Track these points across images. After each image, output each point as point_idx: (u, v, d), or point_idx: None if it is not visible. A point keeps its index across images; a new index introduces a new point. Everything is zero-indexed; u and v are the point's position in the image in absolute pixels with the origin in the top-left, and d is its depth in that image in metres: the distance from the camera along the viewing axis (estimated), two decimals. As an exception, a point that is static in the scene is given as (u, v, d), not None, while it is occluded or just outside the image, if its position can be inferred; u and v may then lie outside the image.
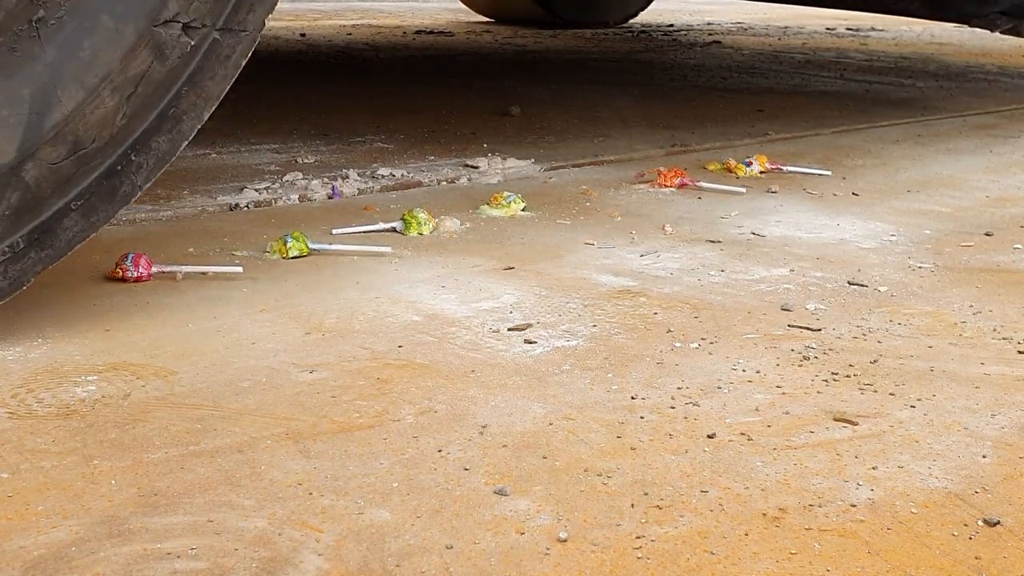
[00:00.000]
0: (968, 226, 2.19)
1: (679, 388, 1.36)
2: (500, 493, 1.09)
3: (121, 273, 1.69)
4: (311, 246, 1.86)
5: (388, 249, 1.85)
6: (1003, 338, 1.56)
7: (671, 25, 6.66)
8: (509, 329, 1.54)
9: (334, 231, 1.97)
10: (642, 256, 1.92)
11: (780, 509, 1.08)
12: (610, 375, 1.39)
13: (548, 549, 1.00)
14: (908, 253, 1.98)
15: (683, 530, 1.03)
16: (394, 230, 2.01)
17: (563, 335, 1.53)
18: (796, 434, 1.24)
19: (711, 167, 2.63)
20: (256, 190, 2.28)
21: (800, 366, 1.44)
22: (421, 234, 2.00)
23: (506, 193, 2.19)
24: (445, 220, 2.05)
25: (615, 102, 3.61)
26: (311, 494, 1.08)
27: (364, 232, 1.99)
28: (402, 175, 2.46)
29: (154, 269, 1.71)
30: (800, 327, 1.58)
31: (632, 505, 1.08)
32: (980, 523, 1.06)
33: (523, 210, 2.16)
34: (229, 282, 1.71)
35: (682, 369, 1.42)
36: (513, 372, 1.39)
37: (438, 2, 7.77)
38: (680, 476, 1.14)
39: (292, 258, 1.83)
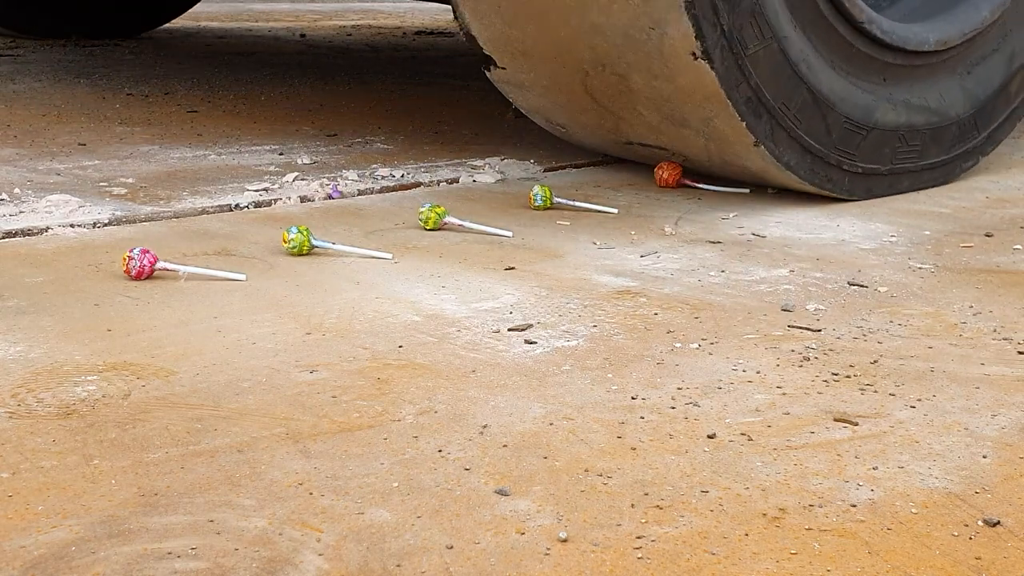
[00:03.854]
0: (968, 227, 2.19)
1: (679, 388, 1.36)
2: (500, 493, 1.09)
3: (126, 262, 1.70)
4: (313, 242, 1.86)
5: (389, 255, 1.86)
6: (1003, 338, 1.56)
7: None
8: (509, 329, 1.54)
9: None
10: (642, 256, 1.92)
11: (780, 509, 1.08)
12: (610, 375, 1.39)
13: (548, 549, 1.00)
14: (908, 254, 1.98)
15: (683, 530, 1.03)
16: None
17: (563, 335, 1.53)
18: (796, 434, 1.24)
19: None
20: (256, 191, 2.28)
21: (800, 366, 1.44)
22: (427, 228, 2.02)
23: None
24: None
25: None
26: (311, 494, 1.08)
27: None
28: (402, 176, 2.46)
29: (159, 265, 1.71)
30: (800, 327, 1.58)
31: (632, 505, 1.08)
32: (980, 523, 1.06)
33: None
34: (229, 282, 1.71)
35: (682, 369, 1.42)
36: (513, 372, 1.39)
37: (438, 3, 7.77)
38: (680, 476, 1.13)
39: (292, 248, 1.84)
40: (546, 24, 2.20)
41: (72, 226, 1.99)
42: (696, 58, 2.03)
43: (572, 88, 2.31)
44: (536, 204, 2.20)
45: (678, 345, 1.50)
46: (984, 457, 1.20)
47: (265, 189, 2.30)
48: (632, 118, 2.30)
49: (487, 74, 2.44)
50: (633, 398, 1.33)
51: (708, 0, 2.01)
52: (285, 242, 1.85)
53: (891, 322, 1.61)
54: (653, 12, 2.03)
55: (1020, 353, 1.50)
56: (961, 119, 2.49)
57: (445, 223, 2.04)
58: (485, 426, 1.24)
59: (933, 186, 2.50)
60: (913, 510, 1.08)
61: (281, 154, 2.69)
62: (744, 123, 2.11)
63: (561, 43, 2.21)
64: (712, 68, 2.05)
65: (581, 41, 2.18)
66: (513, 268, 1.82)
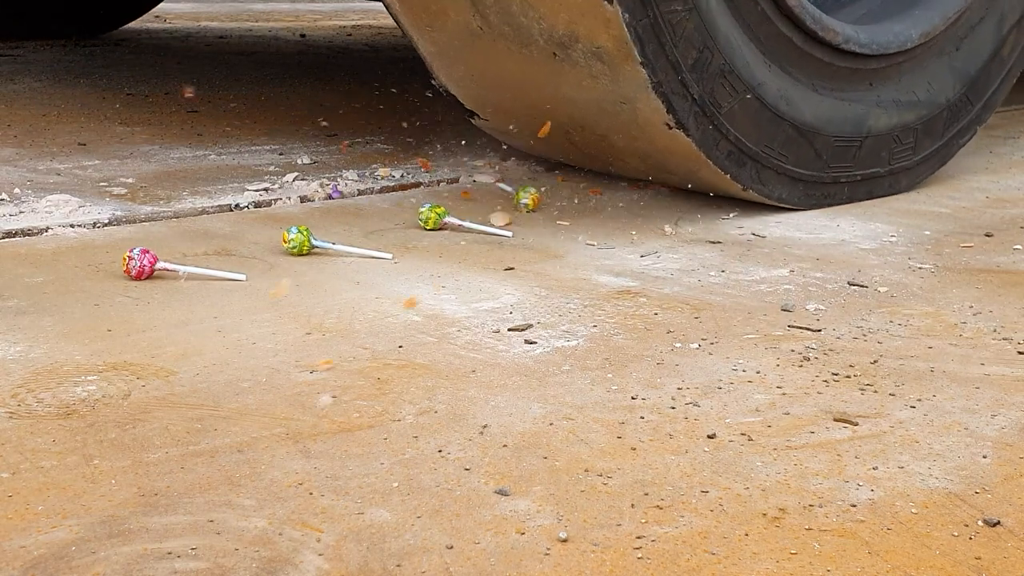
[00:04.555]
0: (968, 227, 2.19)
1: (679, 388, 1.36)
2: (500, 493, 1.09)
3: (126, 262, 1.70)
4: (313, 242, 1.86)
5: (389, 255, 1.86)
6: (1003, 338, 1.56)
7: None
8: (509, 329, 1.54)
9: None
10: (642, 256, 1.92)
11: (780, 509, 1.08)
12: (610, 375, 1.39)
13: (548, 549, 1.00)
14: (908, 254, 1.98)
15: (683, 530, 1.03)
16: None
17: (563, 335, 1.53)
18: (796, 434, 1.24)
19: None
20: (256, 191, 2.28)
21: (800, 366, 1.44)
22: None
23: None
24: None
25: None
26: (311, 494, 1.08)
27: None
28: (402, 176, 2.46)
29: (159, 265, 1.71)
30: (800, 327, 1.58)
31: (632, 505, 1.08)
32: (980, 523, 1.06)
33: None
34: (230, 282, 1.71)
35: (682, 369, 1.42)
36: (513, 372, 1.39)
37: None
38: (680, 476, 1.14)
39: (292, 249, 1.84)
40: (522, 92, 2.21)
41: (72, 226, 1.99)
42: (671, 128, 2.03)
43: (558, 140, 2.32)
44: (520, 205, 2.20)
45: (678, 345, 1.50)
46: (984, 457, 1.20)
47: (265, 189, 2.30)
48: (620, 164, 2.31)
49: (472, 121, 2.44)
50: (633, 398, 1.33)
51: (675, 77, 1.99)
52: (285, 242, 1.85)
53: (891, 322, 1.61)
54: (622, 90, 2.02)
55: (1020, 353, 1.50)
56: (951, 102, 2.46)
57: (445, 223, 2.04)
58: (485, 426, 1.24)
59: (932, 174, 2.50)
60: (913, 510, 1.08)
61: (281, 154, 2.69)
62: (728, 175, 2.11)
63: (539, 107, 2.22)
64: (688, 136, 2.04)
65: (558, 107, 2.19)
66: (513, 268, 1.82)
